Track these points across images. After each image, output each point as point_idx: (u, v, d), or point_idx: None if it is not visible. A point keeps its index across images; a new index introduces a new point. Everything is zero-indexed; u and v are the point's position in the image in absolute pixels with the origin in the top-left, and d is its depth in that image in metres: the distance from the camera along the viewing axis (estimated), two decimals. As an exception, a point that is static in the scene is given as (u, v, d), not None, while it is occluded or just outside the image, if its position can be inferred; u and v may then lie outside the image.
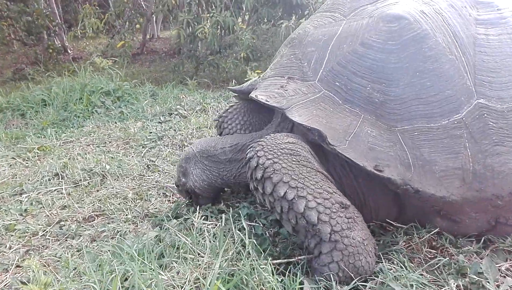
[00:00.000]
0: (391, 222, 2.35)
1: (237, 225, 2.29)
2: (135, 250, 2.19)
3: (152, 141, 4.98)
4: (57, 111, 6.38)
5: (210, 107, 6.10)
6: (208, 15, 8.84)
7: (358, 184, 2.30)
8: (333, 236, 1.91)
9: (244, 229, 2.12)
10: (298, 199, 1.97)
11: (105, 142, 5.09)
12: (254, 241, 2.01)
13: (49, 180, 4.10)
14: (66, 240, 3.05)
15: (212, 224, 2.41)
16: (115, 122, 5.89)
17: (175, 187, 3.11)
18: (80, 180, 4.00)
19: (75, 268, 2.55)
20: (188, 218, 2.68)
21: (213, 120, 3.42)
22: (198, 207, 2.84)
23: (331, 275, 1.91)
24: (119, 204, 3.43)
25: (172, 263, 2.07)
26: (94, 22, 8.82)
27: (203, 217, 2.55)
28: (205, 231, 2.27)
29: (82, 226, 3.18)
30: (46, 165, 4.41)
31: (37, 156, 4.88)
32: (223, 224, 2.10)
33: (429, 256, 2.21)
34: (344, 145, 2.11)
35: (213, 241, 2.12)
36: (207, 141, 2.94)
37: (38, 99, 6.75)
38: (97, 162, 4.31)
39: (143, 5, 12.69)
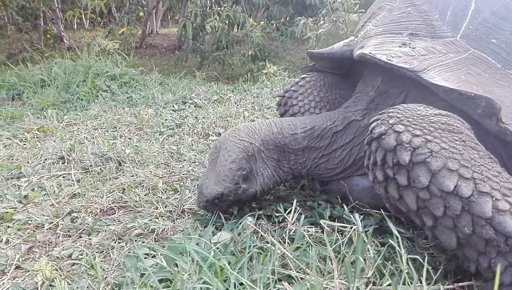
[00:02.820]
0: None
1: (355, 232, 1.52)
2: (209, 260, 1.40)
3: (170, 129, 4.19)
4: (58, 92, 5.50)
5: (228, 98, 5.33)
6: (218, 8, 8.09)
7: None
8: None
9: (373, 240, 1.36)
10: (480, 197, 1.24)
11: (115, 127, 4.26)
12: (408, 258, 1.24)
13: (53, 163, 3.27)
14: (81, 237, 2.26)
15: (313, 228, 1.64)
16: (123, 107, 5.07)
17: (210, 201, 2.05)
18: (91, 165, 3.18)
19: (105, 277, 1.76)
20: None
21: (275, 96, 2.63)
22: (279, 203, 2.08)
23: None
24: (146, 194, 2.64)
25: (270, 283, 1.30)
26: (98, 3, 7.90)
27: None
28: (307, 237, 1.50)
29: (101, 219, 2.39)
30: (48, 147, 3.57)
31: (37, 137, 4.01)
32: (360, 228, 1.32)
33: None
34: (519, 124, 1.39)
35: (343, 254, 1.35)
36: (263, 128, 2.13)
37: (36, 79, 5.85)
38: (110, 147, 3.49)
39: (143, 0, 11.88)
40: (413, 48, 1.67)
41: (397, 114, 1.48)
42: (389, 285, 1.15)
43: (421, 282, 1.18)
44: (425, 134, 1.38)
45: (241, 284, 1.37)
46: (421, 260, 1.24)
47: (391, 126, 1.44)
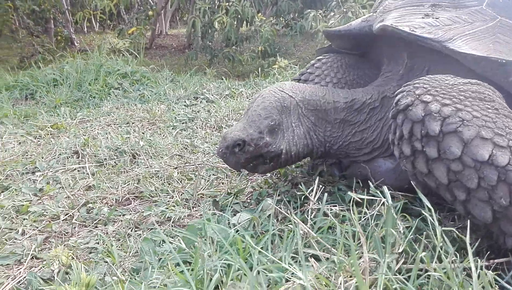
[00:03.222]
0: None
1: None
2: (229, 239, 1.34)
3: (183, 123, 4.14)
4: (71, 91, 5.50)
5: (240, 93, 5.28)
6: (226, 4, 8.03)
7: None
8: None
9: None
10: (517, 166, 1.16)
11: (128, 122, 4.23)
12: (442, 231, 1.16)
13: (67, 158, 3.25)
14: (97, 227, 2.23)
15: (337, 207, 1.57)
16: (136, 104, 5.03)
17: (229, 147, 1.84)
18: (105, 159, 3.15)
19: (123, 264, 1.71)
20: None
21: (291, 80, 2.54)
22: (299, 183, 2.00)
23: None
24: (161, 184, 2.59)
25: (299, 260, 1.23)
26: (107, 3, 7.90)
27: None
28: (330, 215, 1.43)
29: (116, 209, 2.35)
30: (62, 142, 3.54)
31: (50, 134, 3.99)
32: (390, 201, 1.25)
33: None
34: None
35: (372, 228, 1.28)
36: (309, 89, 1.96)
37: (49, 78, 5.85)
38: (124, 141, 3.45)
39: (151, 2, 11.90)
40: (436, 18, 1.59)
41: (423, 85, 1.40)
42: (422, 261, 1.08)
43: (457, 257, 1.11)
44: (455, 103, 1.30)
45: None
46: (457, 233, 1.16)
47: (418, 96, 1.36)
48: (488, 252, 1.41)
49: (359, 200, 1.32)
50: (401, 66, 1.93)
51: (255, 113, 1.84)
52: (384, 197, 1.26)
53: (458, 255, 1.13)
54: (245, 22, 8.36)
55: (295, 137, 1.88)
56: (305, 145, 1.92)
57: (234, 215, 1.93)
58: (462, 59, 1.46)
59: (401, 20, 1.67)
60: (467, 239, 1.04)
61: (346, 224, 1.39)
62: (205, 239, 1.43)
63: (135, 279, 1.44)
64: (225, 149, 1.84)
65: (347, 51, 2.33)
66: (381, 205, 1.28)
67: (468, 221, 1.23)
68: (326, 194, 1.53)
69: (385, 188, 1.30)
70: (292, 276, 1.10)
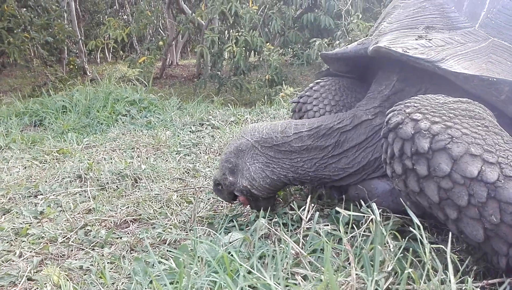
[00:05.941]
0: None
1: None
2: (218, 259, 1.32)
3: (187, 148, 4.17)
4: (79, 118, 5.59)
5: (245, 119, 5.32)
6: (236, 34, 8.19)
7: None
8: None
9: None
10: (507, 182, 1.14)
11: (133, 148, 4.27)
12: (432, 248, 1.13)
13: (70, 182, 3.27)
14: (94, 249, 2.21)
15: (329, 226, 1.55)
16: (142, 130, 5.09)
17: (213, 185, 2.26)
18: (107, 183, 3.16)
19: (113, 283, 1.69)
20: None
21: (290, 102, 2.53)
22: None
23: None
24: (160, 207, 2.59)
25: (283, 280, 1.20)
26: (119, 33, 8.13)
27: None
28: (322, 234, 1.40)
29: (114, 232, 2.34)
30: (66, 167, 3.58)
31: (56, 159, 4.04)
32: (378, 217, 1.23)
33: None
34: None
35: (360, 245, 1.26)
36: (268, 127, 2.12)
37: (58, 105, 5.96)
38: (127, 165, 3.47)
39: (163, 34, 12.18)
40: (429, 39, 1.60)
41: (414, 104, 1.40)
42: (412, 280, 1.04)
43: (446, 275, 1.07)
44: (445, 121, 1.29)
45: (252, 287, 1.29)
46: (444, 248, 1.13)
47: (408, 115, 1.36)
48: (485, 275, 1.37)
49: (346, 215, 1.30)
50: (387, 88, 1.93)
51: (221, 158, 2.21)
52: (375, 212, 1.24)
53: (447, 273, 1.09)
54: (253, 51, 8.49)
55: (251, 174, 2.10)
56: (265, 177, 2.09)
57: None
58: (454, 79, 1.46)
59: (395, 41, 1.69)
60: (448, 252, 1.01)
61: (335, 243, 1.37)
62: (194, 258, 1.41)
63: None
64: (213, 186, 2.27)
65: (344, 74, 2.36)
66: (370, 222, 1.25)
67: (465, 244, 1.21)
68: (317, 213, 1.51)
69: (374, 205, 1.28)
70: (276, 293, 1.08)
